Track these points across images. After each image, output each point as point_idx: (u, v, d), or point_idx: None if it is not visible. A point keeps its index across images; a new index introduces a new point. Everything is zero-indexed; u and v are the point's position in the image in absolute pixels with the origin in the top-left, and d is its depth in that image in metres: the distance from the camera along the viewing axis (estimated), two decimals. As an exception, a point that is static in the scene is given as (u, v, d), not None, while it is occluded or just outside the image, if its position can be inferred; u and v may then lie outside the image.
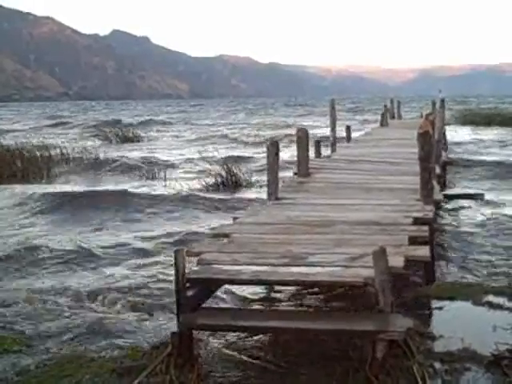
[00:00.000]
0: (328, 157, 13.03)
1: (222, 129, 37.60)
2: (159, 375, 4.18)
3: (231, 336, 4.86)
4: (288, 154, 16.88)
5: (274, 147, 8.19)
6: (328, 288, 5.68)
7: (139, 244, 8.70)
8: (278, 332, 4.70)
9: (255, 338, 4.83)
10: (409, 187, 8.16)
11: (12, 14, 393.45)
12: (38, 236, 9.29)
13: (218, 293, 5.69)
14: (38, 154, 18.01)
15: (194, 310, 4.54)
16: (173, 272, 4.60)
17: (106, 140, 28.74)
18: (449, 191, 12.34)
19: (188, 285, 4.54)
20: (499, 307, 5.46)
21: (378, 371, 4.06)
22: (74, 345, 5.00)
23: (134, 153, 22.38)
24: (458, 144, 22.57)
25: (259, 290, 6.23)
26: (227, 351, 4.62)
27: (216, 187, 13.91)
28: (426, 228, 6.01)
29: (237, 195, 12.95)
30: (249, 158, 19.83)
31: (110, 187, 14.07)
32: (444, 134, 17.71)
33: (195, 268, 4.93)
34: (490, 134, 27.61)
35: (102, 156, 19.68)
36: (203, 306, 4.79)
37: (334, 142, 14.66)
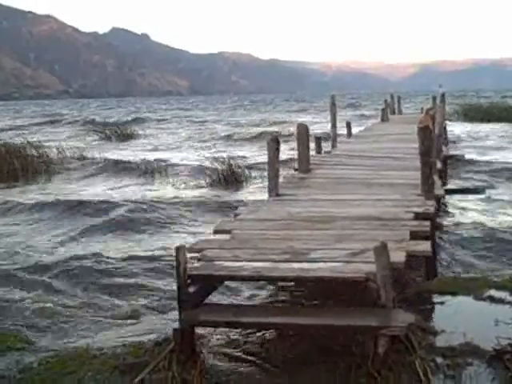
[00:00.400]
0: (328, 152, 13.02)
1: (216, 126, 37.34)
2: (162, 372, 4.19)
3: (233, 332, 4.86)
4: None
5: (274, 143, 8.18)
6: (329, 284, 5.68)
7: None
8: (279, 328, 4.70)
9: (257, 334, 4.84)
10: (410, 182, 8.15)
11: (12, 12, 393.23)
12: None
13: (220, 289, 5.69)
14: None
15: (196, 307, 4.55)
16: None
17: (105, 138, 28.79)
18: (450, 186, 12.34)
19: (189, 281, 4.55)
20: (501, 301, 5.46)
21: (380, 366, 4.06)
22: (77, 342, 5.01)
23: (126, 151, 22.02)
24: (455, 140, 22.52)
25: (261, 286, 6.23)
26: (229, 347, 4.63)
27: (215, 184, 13.90)
28: (427, 223, 6.00)
29: (236, 193, 12.91)
30: (242, 156, 19.48)
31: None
32: (445, 128, 17.70)
33: (196, 264, 4.94)
34: (488, 128, 27.48)
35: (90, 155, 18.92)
36: (205, 302, 4.80)
37: (334, 137, 14.65)
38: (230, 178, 14.19)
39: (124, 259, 7.78)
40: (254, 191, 12.66)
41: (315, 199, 7.65)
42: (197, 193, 13.10)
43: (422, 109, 26.31)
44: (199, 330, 4.72)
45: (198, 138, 29.40)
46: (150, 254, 8.02)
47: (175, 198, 12.25)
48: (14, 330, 5.27)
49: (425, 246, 5.17)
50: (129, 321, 5.63)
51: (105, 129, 30.98)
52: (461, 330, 4.66)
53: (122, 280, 6.96)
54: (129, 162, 17.99)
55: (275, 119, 40.99)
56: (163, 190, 13.87)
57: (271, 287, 6.21)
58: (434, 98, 23.72)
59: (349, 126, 17.00)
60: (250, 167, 15.80)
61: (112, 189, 14.28)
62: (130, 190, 13.97)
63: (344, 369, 4.13)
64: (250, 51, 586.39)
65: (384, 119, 22.91)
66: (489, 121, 30.67)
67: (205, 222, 10.05)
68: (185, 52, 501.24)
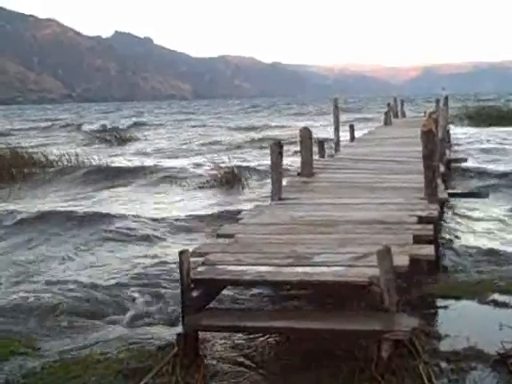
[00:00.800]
0: (331, 156, 13.02)
1: (216, 133, 37.17)
2: (165, 376, 4.19)
3: (237, 337, 4.85)
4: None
5: (277, 147, 8.19)
6: (333, 288, 5.67)
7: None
8: (282, 332, 4.70)
9: (261, 338, 4.83)
10: (413, 186, 8.15)
11: (15, 16, 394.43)
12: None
13: (223, 293, 5.68)
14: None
15: (200, 311, 4.55)
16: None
17: (106, 143, 28.82)
18: (453, 190, 12.30)
19: (193, 286, 4.55)
20: (505, 305, 5.45)
21: (384, 371, 4.06)
22: (80, 347, 5.01)
23: (123, 157, 21.76)
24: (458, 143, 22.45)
25: (264, 291, 6.22)
26: (232, 352, 4.63)
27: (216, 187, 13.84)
28: (430, 227, 6.00)
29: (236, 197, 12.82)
30: (242, 160, 19.30)
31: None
32: (448, 132, 17.67)
33: (200, 269, 4.93)
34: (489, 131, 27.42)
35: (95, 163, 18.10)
36: (208, 306, 4.80)
37: (337, 141, 14.66)
38: (231, 182, 14.12)
39: (125, 264, 7.78)
40: (255, 196, 12.58)
41: (318, 203, 7.65)
42: (197, 195, 13.06)
43: (425, 112, 26.29)
44: (202, 335, 4.71)
45: (199, 142, 29.34)
46: (149, 260, 7.96)
47: (171, 205, 12.09)
48: (18, 335, 5.27)
49: (428, 250, 5.16)
50: (132, 325, 5.63)
51: (104, 134, 31.03)
52: (465, 334, 4.65)
53: (124, 283, 6.95)
54: (127, 168, 17.69)
55: (277, 123, 40.97)
56: (162, 196, 13.70)
57: (274, 291, 6.20)
58: (438, 101, 23.67)
59: (352, 129, 17.00)
60: (250, 171, 15.74)
61: (106, 198, 13.75)
62: (126, 198, 13.68)
63: (347, 373, 4.12)
64: (252, 55, 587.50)
65: (387, 123, 22.91)
66: (492, 124, 30.64)
67: (203, 227, 9.86)
68: (187, 56, 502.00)
